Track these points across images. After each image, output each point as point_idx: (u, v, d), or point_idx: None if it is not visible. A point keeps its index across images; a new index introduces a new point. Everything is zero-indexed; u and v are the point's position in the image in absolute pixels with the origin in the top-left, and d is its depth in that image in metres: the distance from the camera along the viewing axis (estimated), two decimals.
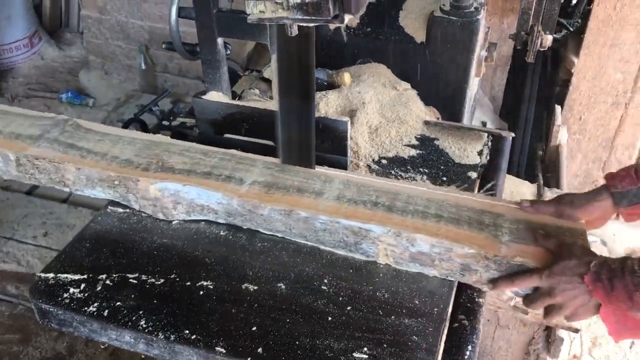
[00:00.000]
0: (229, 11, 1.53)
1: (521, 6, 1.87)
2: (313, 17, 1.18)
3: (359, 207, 1.37)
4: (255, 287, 1.31)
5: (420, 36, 1.87)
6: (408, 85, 1.92)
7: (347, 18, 1.18)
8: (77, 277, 1.33)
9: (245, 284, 1.31)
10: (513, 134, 1.80)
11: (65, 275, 1.34)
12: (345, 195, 1.40)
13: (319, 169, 1.49)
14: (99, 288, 1.31)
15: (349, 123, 1.52)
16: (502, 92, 2.87)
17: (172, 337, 1.20)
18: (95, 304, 1.27)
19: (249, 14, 1.22)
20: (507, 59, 2.78)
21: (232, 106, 1.59)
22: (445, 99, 1.92)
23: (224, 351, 1.17)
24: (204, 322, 1.22)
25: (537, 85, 2.79)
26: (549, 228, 1.30)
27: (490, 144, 1.80)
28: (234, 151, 1.55)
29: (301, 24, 1.22)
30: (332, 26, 1.95)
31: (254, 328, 1.21)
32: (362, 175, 1.50)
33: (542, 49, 1.92)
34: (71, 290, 1.31)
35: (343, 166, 1.58)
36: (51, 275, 1.34)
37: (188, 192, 1.43)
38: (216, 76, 1.62)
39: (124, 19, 4.16)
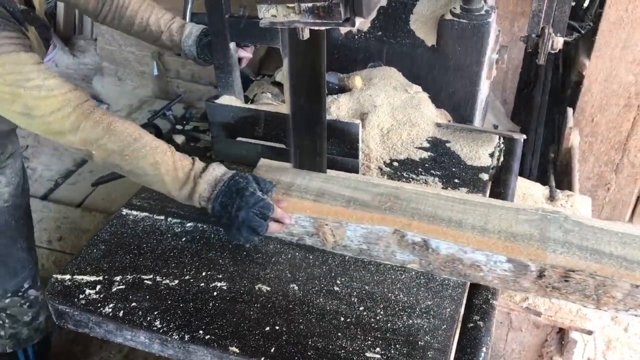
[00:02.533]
0: (241, 16, 1.54)
1: (532, 9, 1.87)
2: (324, 21, 1.20)
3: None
4: (268, 288, 1.32)
5: (430, 39, 1.88)
6: (419, 88, 1.93)
7: (359, 21, 1.19)
8: (92, 278, 1.36)
9: (259, 285, 1.33)
10: (524, 136, 1.80)
11: (81, 276, 1.36)
12: None
13: None
14: (114, 289, 1.33)
15: (360, 126, 1.54)
16: (513, 95, 2.87)
17: (187, 337, 1.22)
18: (111, 305, 1.29)
19: (261, 19, 1.24)
20: (519, 62, 2.78)
21: (244, 109, 1.61)
22: (457, 102, 1.93)
23: (238, 351, 1.18)
24: (218, 323, 1.24)
25: (549, 88, 2.79)
26: None
27: (502, 146, 1.80)
28: None
29: (313, 28, 1.23)
30: (343, 30, 1.97)
31: (267, 328, 1.22)
32: None
33: (552, 52, 1.91)
34: (87, 291, 1.33)
35: (355, 169, 1.59)
36: (67, 276, 1.36)
37: None
38: (229, 80, 1.64)
39: None
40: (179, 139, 1.83)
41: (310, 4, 1.19)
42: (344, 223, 1.38)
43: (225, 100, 1.64)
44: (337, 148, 1.58)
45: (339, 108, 1.86)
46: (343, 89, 1.93)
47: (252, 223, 1.33)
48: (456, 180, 1.66)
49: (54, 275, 1.37)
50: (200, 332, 1.22)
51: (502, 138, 1.82)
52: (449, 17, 1.82)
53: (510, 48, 2.73)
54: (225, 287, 1.32)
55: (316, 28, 1.24)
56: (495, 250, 1.28)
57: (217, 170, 1.39)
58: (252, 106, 1.63)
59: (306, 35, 1.26)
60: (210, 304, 1.28)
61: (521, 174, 2.00)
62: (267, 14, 1.24)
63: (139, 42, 4.27)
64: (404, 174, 1.68)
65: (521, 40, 1.99)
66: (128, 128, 1.33)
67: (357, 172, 1.60)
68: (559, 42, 1.88)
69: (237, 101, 1.65)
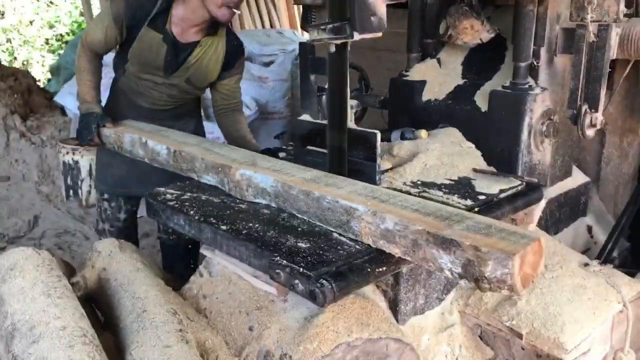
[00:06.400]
0: (317, 57, 2.22)
1: None
2: (338, 36, 1.82)
3: (360, 197, 1.70)
4: None
5: (484, 106, 2.32)
6: (472, 145, 2.33)
7: (357, 36, 1.79)
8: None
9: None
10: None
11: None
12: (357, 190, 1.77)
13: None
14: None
15: (378, 134, 2.01)
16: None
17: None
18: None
19: (311, 40, 1.92)
20: (629, 177, 2.89)
21: (312, 123, 2.22)
22: (502, 160, 2.27)
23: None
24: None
25: None
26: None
27: (519, 189, 2.08)
28: None
29: (332, 42, 1.86)
30: (424, 97, 2.51)
31: None
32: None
33: None
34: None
35: (372, 170, 2.04)
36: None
37: None
38: (308, 103, 2.28)
39: None
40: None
41: (331, 26, 1.83)
42: None
43: (305, 117, 2.28)
44: (361, 153, 2.05)
45: (400, 149, 2.34)
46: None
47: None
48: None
49: (157, 189, 2.09)
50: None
51: (524, 183, 2.10)
52: (499, 89, 2.27)
53: (620, 162, 2.91)
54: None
55: (334, 42, 1.86)
56: None
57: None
58: (316, 121, 2.24)
59: (332, 49, 1.88)
60: None
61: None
62: (313, 36, 1.91)
63: None
64: (425, 191, 2.05)
65: (569, 118, 2.28)
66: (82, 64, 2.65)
67: (375, 175, 2.04)
68: None
69: (310, 118, 2.28)
